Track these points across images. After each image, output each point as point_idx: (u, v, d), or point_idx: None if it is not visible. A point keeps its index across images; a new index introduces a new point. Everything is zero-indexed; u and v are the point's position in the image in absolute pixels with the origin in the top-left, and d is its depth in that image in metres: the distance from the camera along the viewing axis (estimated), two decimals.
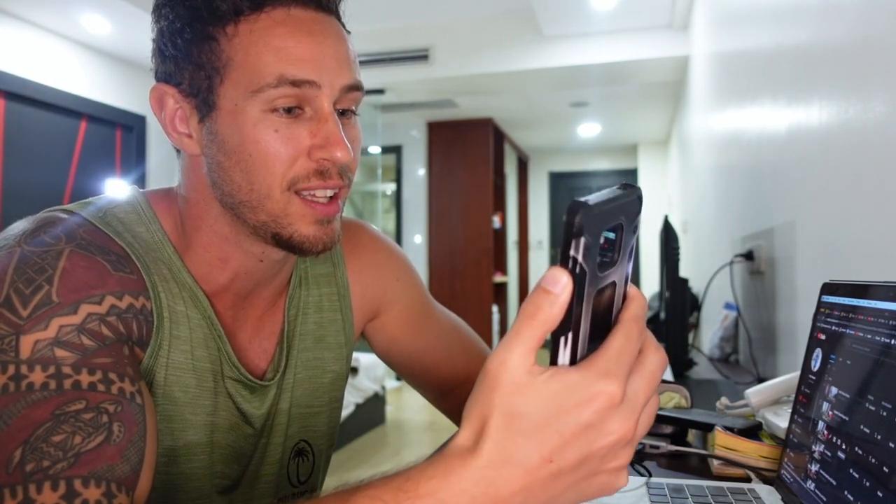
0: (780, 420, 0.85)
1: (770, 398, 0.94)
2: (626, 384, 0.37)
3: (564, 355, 0.36)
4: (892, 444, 0.50)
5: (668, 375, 1.58)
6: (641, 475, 0.79)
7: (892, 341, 0.54)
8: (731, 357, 1.99)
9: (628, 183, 0.39)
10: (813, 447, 0.65)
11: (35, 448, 0.48)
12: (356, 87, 0.64)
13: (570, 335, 0.36)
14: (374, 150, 5.35)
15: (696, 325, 2.48)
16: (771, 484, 0.75)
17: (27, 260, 0.55)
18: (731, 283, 1.97)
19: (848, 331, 0.63)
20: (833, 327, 0.66)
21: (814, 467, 0.63)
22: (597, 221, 0.35)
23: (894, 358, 0.53)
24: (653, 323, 2.24)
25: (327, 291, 0.81)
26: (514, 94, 4.95)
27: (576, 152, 7.53)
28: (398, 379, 5.52)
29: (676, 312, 1.75)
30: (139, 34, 3.51)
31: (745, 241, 1.90)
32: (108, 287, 0.57)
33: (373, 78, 4.04)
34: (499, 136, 6.17)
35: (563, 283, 0.35)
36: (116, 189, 0.93)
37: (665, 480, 0.76)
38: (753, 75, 1.78)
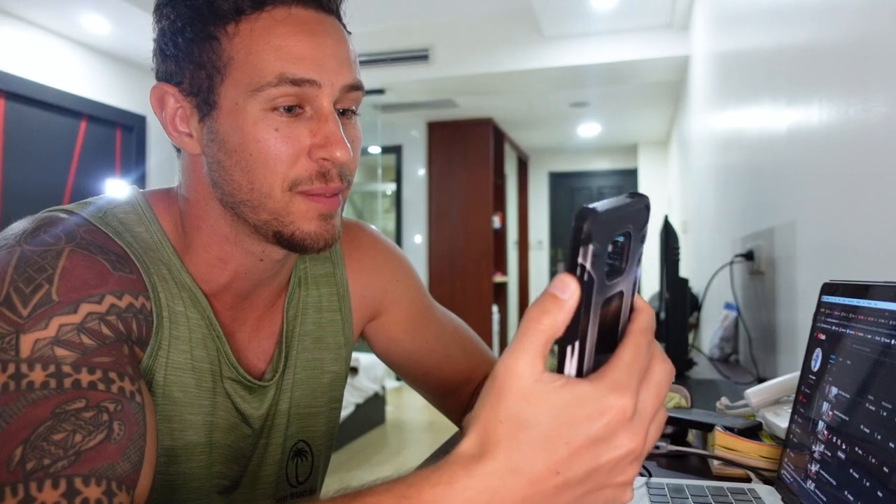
0: (780, 420, 0.85)
1: (770, 398, 0.94)
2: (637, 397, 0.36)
3: (571, 365, 0.36)
4: (892, 444, 0.50)
5: None
6: (641, 475, 0.79)
7: (892, 341, 0.54)
8: (731, 357, 1.99)
9: (636, 192, 0.38)
10: (813, 447, 0.65)
11: (36, 446, 0.48)
12: (356, 87, 0.65)
13: (577, 344, 0.35)
14: (374, 150, 5.36)
15: (696, 325, 2.49)
16: (771, 484, 0.75)
17: (27, 259, 0.55)
18: (731, 283, 1.97)
19: (848, 331, 0.63)
20: (833, 327, 0.66)
21: (814, 467, 0.63)
22: (606, 229, 0.34)
23: (894, 358, 0.53)
24: None
25: (327, 292, 0.81)
26: (514, 94, 4.94)
27: (576, 152, 7.53)
28: (398, 379, 5.52)
29: (676, 312, 1.75)
30: (139, 34, 3.51)
31: (745, 241, 1.90)
32: (108, 286, 0.57)
33: (373, 78, 4.04)
34: (499, 136, 6.17)
35: (571, 290, 0.35)
36: (116, 189, 0.93)
37: (665, 480, 0.76)
38: (753, 75, 1.78)
